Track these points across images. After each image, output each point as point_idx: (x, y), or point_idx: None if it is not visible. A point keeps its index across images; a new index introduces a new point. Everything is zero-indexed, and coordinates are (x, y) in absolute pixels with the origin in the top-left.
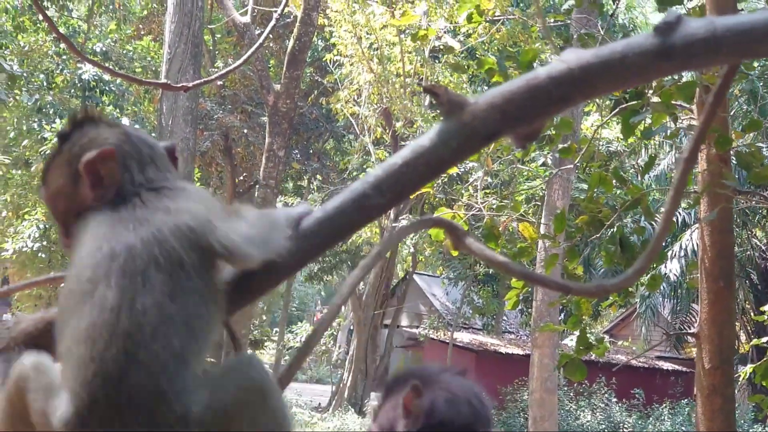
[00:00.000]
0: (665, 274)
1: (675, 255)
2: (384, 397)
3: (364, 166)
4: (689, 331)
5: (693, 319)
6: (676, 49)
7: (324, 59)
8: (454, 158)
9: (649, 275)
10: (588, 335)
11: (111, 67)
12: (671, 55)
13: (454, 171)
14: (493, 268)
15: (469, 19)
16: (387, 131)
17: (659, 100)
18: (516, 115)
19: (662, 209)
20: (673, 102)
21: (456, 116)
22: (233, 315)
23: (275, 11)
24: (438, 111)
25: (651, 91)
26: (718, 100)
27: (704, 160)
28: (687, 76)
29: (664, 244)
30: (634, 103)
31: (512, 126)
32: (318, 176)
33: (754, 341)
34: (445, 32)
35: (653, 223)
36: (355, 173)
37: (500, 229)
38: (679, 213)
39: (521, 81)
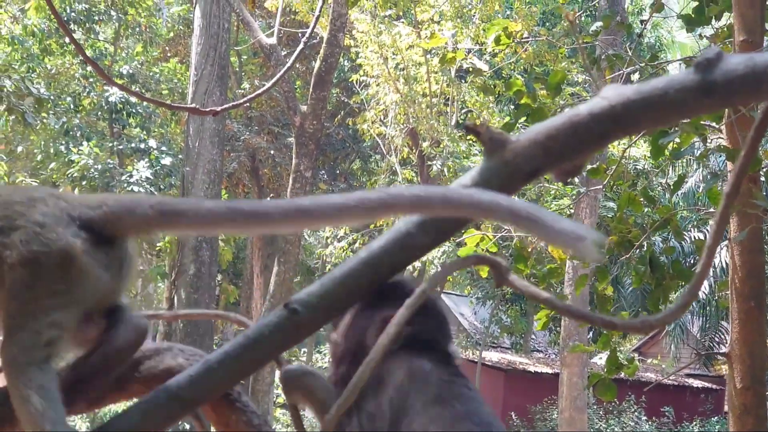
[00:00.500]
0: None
1: None
2: (360, 308)
3: (391, 186)
4: (720, 351)
5: (722, 337)
6: (716, 85)
7: (350, 80)
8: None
9: (678, 295)
10: (618, 355)
11: (138, 89)
12: (712, 91)
13: None
14: (538, 303)
15: (497, 41)
16: (414, 151)
17: (688, 120)
18: (558, 152)
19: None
20: (702, 122)
21: (498, 154)
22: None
23: (301, 33)
24: (464, 132)
25: None
26: (759, 135)
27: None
28: None
29: (692, 261)
30: None
31: (554, 163)
32: None
33: None
34: (471, 53)
35: (683, 242)
36: None
37: (529, 250)
38: (708, 231)
39: (563, 118)
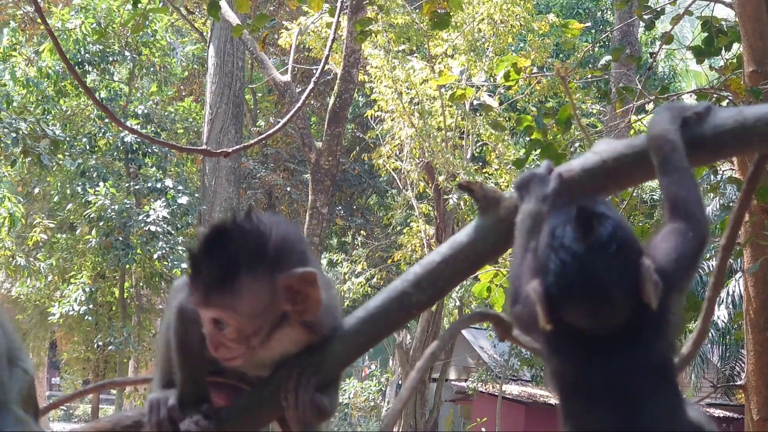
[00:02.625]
0: (713, 321)
1: (722, 301)
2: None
3: (408, 221)
4: (737, 383)
5: (743, 365)
6: (706, 139)
7: (365, 115)
8: (492, 253)
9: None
10: None
11: (153, 129)
12: (702, 145)
13: None
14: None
15: (507, 77)
16: (430, 185)
17: None
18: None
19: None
20: None
21: (492, 211)
22: None
23: (315, 69)
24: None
25: None
26: (751, 186)
27: (746, 211)
28: None
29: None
30: None
31: None
32: (362, 232)
33: None
34: (484, 86)
35: (700, 270)
36: (399, 228)
37: None
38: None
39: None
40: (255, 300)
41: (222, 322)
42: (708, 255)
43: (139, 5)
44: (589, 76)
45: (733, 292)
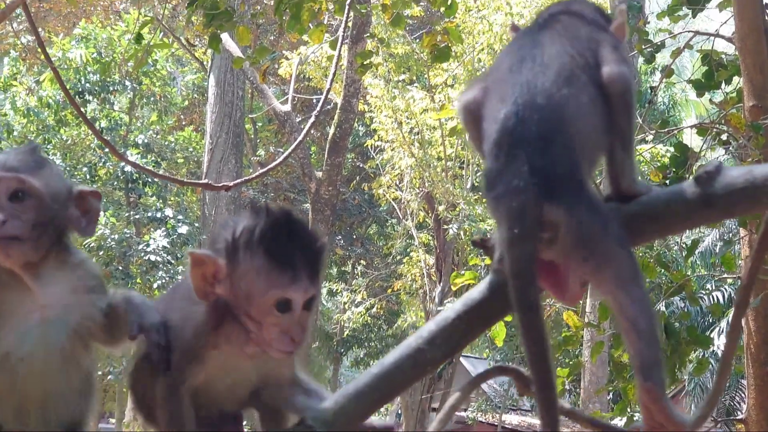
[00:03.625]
0: (713, 351)
1: (722, 331)
2: None
3: (408, 250)
4: (738, 417)
5: (743, 395)
6: (717, 198)
7: (365, 145)
8: (505, 310)
9: (695, 360)
10: (636, 421)
11: (153, 158)
12: (713, 204)
13: None
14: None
15: None
16: (430, 215)
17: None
18: None
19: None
20: None
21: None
22: None
23: (315, 99)
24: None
25: (692, 176)
26: (763, 247)
27: (747, 246)
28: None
29: (710, 320)
30: None
31: None
32: (362, 261)
33: None
34: None
35: (701, 299)
36: (398, 257)
37: (545, 317)
38: (725, 289)
39: None
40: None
41: (314, 300)
42: (712, 286)
43: (142, 41)
44: None
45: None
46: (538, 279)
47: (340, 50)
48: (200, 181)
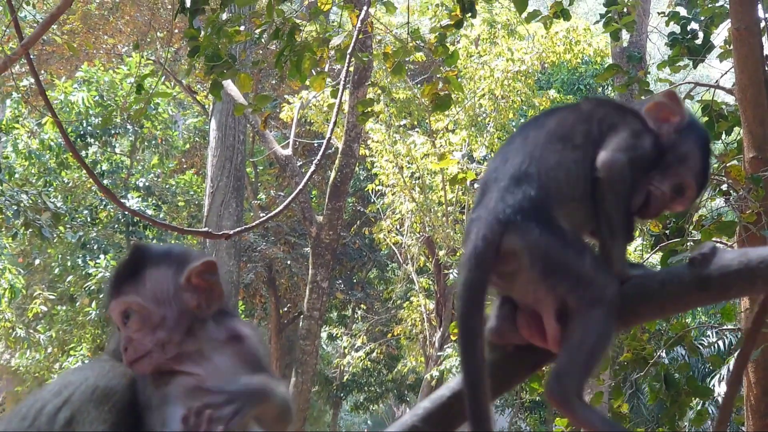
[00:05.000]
0: (713, 398)
1: (723, 379)
2: None
3: (408, 295)
4: None
5: None
6: (712, 280)
7: (366, 189)
8: (502, 388)
9: (695, 408)
10: None
11: (154, 201)
12: (708, 286)
13: None
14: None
15: None
16: (430, 260)
17: (700, 237)
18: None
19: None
20: (713, 239)
21: (501, 348)
22: None
23: (317, 143)
24: None
25: (691, 226)
26: (757, 326)
27: (747, 298)
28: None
29: (709, 368)
30: (675, 240)
31: (555, 356)
32: (362, 306)
33: None
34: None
35: (701, 346)
36: (399, 302)
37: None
38: (726, 335)
39: None
40: (158, 285)
41: (127, 311)
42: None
43: (143, 91)
44: None
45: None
46: (483, 307)
47: (340, 99)
48: (200, 230)
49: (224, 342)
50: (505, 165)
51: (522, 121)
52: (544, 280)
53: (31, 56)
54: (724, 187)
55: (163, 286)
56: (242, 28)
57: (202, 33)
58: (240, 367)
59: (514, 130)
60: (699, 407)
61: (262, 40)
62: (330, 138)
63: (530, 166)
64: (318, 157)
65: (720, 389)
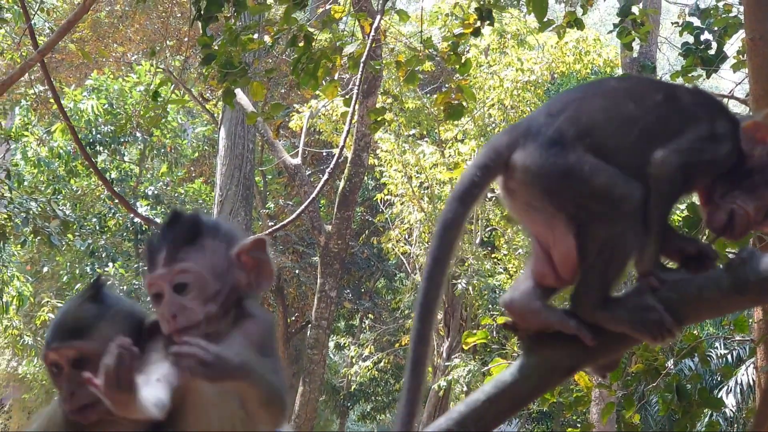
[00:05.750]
0: (722, 410)
1: (731, 390)
2: None
3: None
4: None
5: None
6: (749, 284)
7: (375, 199)
8: (536, 392)
9: (706, 418)
10: None
11: (163, 210)
12: (745, 290)
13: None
14: None
15: None
16: None
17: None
18: (596, 348)
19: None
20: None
21: (536, 352)
22: None
23: (326, 152)
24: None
25: (705, 237)
26: None
27: (760, 309)
28: None
29: (719, 379)
30: None
31: (593, 358)
32: (370, 315)
33: None
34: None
35: (710, 358)
36: (407, 311)
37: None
38: (735, 348)
39: None
40: (215, 257)
41: (182, 282)
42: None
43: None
44: None
45: (742, 380)
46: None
47: (354, 108)
48: None
49: (236, 322)
50: (546, 105)
51: None
52: (549, 197)
53: (44, 61)
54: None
55: (220, 259)
56: (255, 36)
57: (218, 41)
58: (244, 347)
59: None
60: (709, 418)
61: (274, 49)
62: (343, 147)
63: (568, 105)
64: (331, 166)
65: (729, 401)
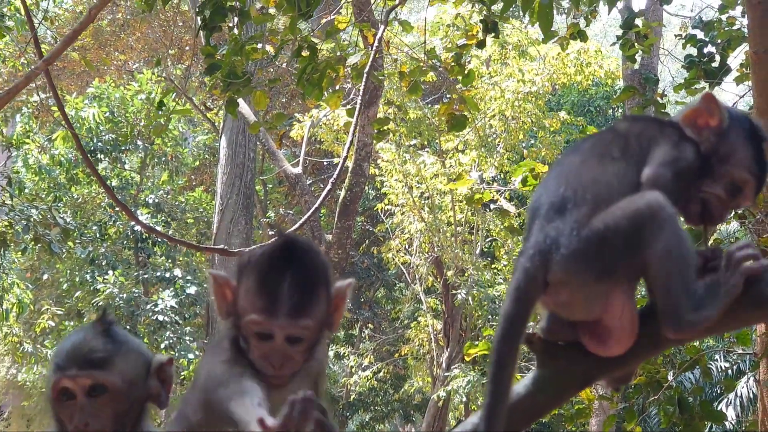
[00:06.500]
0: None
1: (731, 402)
2: None
3: (416, 315)
4: None
5: None
6: (766, 297)
7: (375, 209)
8: (550, 405)
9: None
10: None
11: (163, 218)
12: (763, 303)
13: None
14: None
15: (524, 182)
16: (438, 280)
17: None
18: (611, 361)
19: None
20: None
21: (551, 365)
22: None
23: (326, 161)
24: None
25: None
26: None
27: (763, 323)
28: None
29: (719, 391)
30: None
31: (607, 371)
32: (370, 325)
33: None
34: (501, 191)
35: (710, 370)
36: (406, 321)
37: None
38: (735, 360)
39: None
40: (323, 308)
41: (299, 336)
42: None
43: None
44: None
45: (742, 393)
46: (519, 341)
47: (357, 118)
48: (216, 247)
49: None
50: (545, 193)
51: (532, 142)
52: (600, 278)
53: (48, 69)
54: (740, 211)
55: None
56: (259, 46)
57: (221, 50)
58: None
59: (524, 151)
60: (709, 431)
61: (277, 59)
62: (346, 157)
63: (566, 189)
64: (335, 176)
65: (729, 413)
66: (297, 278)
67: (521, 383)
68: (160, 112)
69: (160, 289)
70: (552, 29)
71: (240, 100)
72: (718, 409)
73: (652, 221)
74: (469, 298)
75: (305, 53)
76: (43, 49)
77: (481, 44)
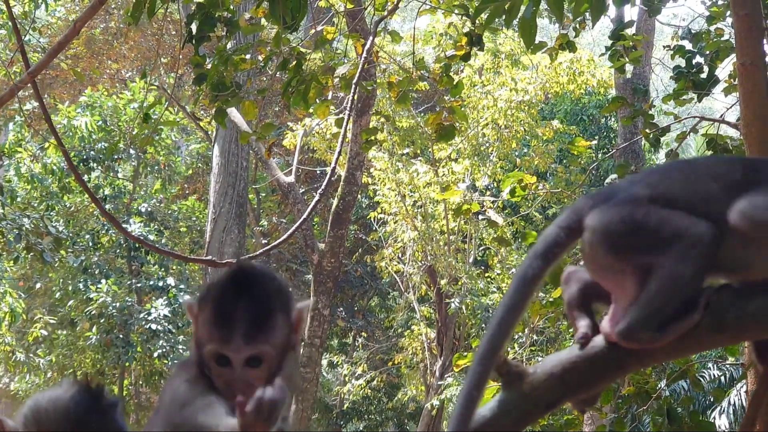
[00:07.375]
0: None
1: (723, 411)
2: None
3: (409, 324)
4: None
5: None
6: (728, 323)
7: (368, 217)
8: (515, 427)
9: None
10: None
11: (156, 227)
12: (724, 328)
13: None
14: None
15: (512, 193)
16: (432, 289)
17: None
18: (576, 384)
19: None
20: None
21: (516, 387)
22: None
23: (319, 170)
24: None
25: None
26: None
27: None
28: None
29: (710, 400)
30: None
31: (572, 393)
32: (363, 334)
33: None
34: (490, 200)
35: (702, 378)
36: (400, 330)
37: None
38: (727, 368)
39: (578, 351)
40: (282, 332)
41: (258, 357)
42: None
43: (150, 120)
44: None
45: (735, 402)
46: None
47: (345, 128)
48: (204, 258)
49: None
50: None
51: (525, 151)
52: (613, 252)
53: (35, 81)
54: None
55: (286, 333)
56: (248, 56)
57: (209, 61)
58: None
59: (517, 159)
60: None
61: (267, 69)
62: (335, 167)
63: (649, 175)
64: (323, 186)
65: (721, 421)
66: (250, 305)
67: (487, 406)
68: (149, 123)
69: (154, 297)
70: (542, 40)
71: (232, 109)
72: (711, 417)
73: (686, 243)
74: (463, 307)
75: (291, 65)
76: (34, 58)
77: (466, 57)
